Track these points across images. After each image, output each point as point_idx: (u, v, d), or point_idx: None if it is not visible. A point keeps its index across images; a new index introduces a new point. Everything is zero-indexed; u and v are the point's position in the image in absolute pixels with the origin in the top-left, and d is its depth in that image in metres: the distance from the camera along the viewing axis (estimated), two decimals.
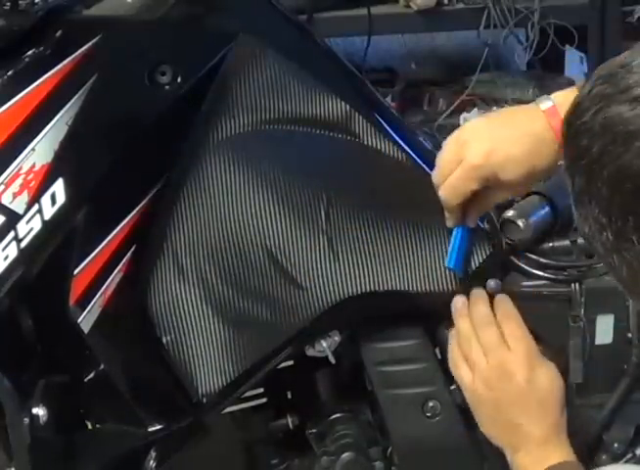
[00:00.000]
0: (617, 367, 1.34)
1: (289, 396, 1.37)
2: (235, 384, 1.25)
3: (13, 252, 1.12)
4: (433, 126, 2.70)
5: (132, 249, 1.18)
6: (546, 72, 2.84)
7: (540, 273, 1.33)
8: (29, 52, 1.14)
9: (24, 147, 1.12)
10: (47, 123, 1.12)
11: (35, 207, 1.12)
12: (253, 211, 1.23)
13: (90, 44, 1.15)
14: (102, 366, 1.21)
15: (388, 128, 1.30)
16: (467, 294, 1.28)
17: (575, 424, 1.35)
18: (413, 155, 1.30)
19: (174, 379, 1.23)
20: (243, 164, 1.23)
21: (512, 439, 1.22)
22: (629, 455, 1.36)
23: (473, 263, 1.29)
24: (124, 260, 1.18)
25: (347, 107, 1.27)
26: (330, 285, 1.25)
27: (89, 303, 1.16)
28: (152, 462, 1.26)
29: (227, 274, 1.23)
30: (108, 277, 1.17)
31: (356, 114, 1.28)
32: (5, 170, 1.11)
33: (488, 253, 1.30)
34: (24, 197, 1.12)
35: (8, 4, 1.13)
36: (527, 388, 1.21)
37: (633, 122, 0.79)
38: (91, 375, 1.22)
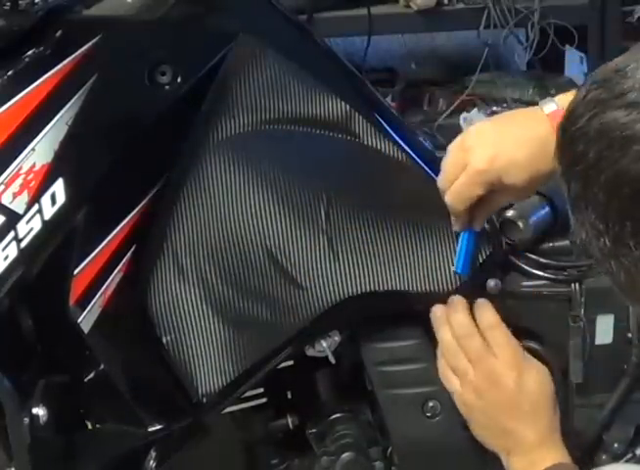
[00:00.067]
0: (617, 367, 1.34)
1: (289, 396, 1.37)
2: (235, 384, 1.25)
3: (13, 252, 1.12)
4: (433, 126, 2.69)
5: (132, 249, 1.18)
6: (546, 72, 2.84)
7: (540, 273, 1.33)
8: (29, 52, 1.14)
9: (24, 147, 1.12)
10: (47, 123, 1.12)
11: (35, 207, 1.12)
12: (253, 211, 1.23)
13: (90, 44, 1.15)
14: (102, 366, 1.21)
15: (388, 128, 1.30)
16: (466, 295, 1.27)
17: (575, 424, 1.35)
18: (413, 155, 1.30)
19: (174, 379, 1.23)
20: (243, 164, 1.23)
21: (506, 444, 1.22)
22: (629, 455, 1.36)
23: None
24: (124, 260, 1.18)
25: (347, 107, 1.27)
26: (330, 285, 1.25)
27: (89, 303, 1.16)
28: (152, 462, 1.26)
29: (227, 274, 1.23)
30: (108, 277, 1.17)
31: (356, 114, 1.28)
32: (5, 170, 1.11)
33: (488, 253, 1.30)
34: (24, 197, 1.12)
35: (8, 4, 1.13)
36: (517, 393, 1.21)
37: (629, 127, 0.79)
38: (91, 375, 1.22)
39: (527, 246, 1.34)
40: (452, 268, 1.28)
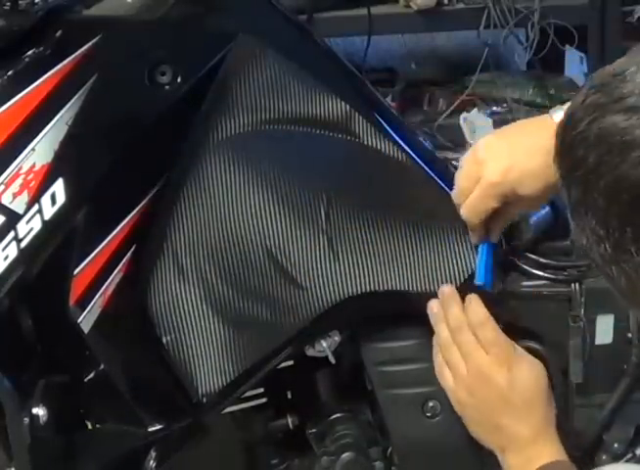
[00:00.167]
0: (617, 367, 1.34)
1: (289, 396, 1.37)
2: (235, 384, 1.25)
3: (13, 252, 1.12)
4: (433, 126, 2.69)
5: (132, 249, 1.18)
6: (546, 72, 2.84)
7: (540, 273, 1.33)
8: (29, 52, 1.14)
9: (24, 147, 1.12)
10: (47, 123, 1.12)
11: (35, 207, 1.12)
12: (253, 211, 1.23)
13: (90, 44, 1.15)
14: (102, 366, 1.21)
15: (388, 128, 1.30)
16: (465, 294, 1.27)
17: (575, 424, 1.35)
18: (413, 155, 1.30)
19: (174, 379, 1.23)
20: (243, 164, 1.23)
21: (500, 440, 1.22)
22: (629, 455, 1.36)
23: (473, 263, 1.29)
24: (124, 260, 1.18)
25: (347, 107, 1.27)
26: (330, 285, 1.25)
27: (89, 303, 1.16)
28: (152, 462, 1.26)
29: (227, 274, 1.23)
30: (108, 277, 1.17)
31: (356, 114, 1.28)
32: (5, 170, 1.11)
33: None
34: (24, 197, 1.12)
35: (8, 4, 1.13)
36: (507, 389, 1.21)
37: (629, 132, 0.78)
38: (91, 375, 1.22)
39: (528, 246, 1.34)
40: (458, 271, 1.28)
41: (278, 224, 1.23)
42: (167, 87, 1.18)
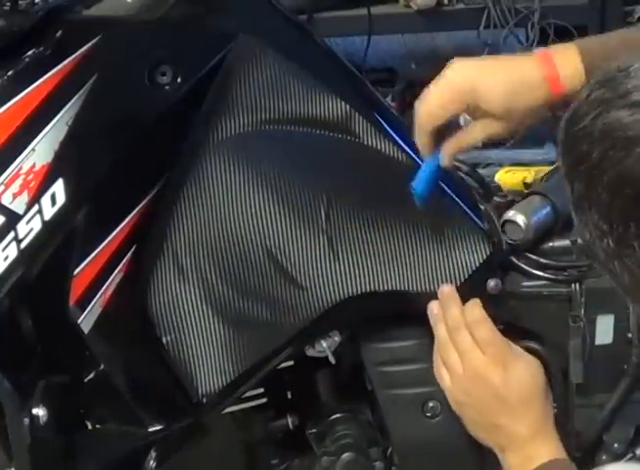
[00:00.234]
0: (617, 367, 1.34)
1: (289, 396, 1.37)
2: (235, 384, 1.25)
3: (13, 252, 1.12)
4: None
5: (132, 249, 1.18)
6: None
7: (540, 273, 1.33)
8: (29, 52, 1.14)
9: (25, 147, 1.12)
10: (47, 123, 1.12)
11: (35, 207, 1.12)
12: (253, 211, 1.23)
13: (90, 44, 1.15)
14: (102, 366, 1.21)
15: (388, 128, 1.30)
16: (466, 294, 1.27)
17: (575, 424, 1.35)
18: (413, 155, 1.30)
19: (174, 379, 1.23)
20: (243, 164, 1.23)
21: (498, 439, 1.21)
22: (629, 455, 1.36)
23: (473, 263, 1.29)
24: (124, 261, 1.18)
25: (347, 107, 1.27)
26: (330, 285, 1.25)
27: (89, 303, 1.16)
28: (152, 462, 1.26)
29: (227, 274, 1.23)
30: (108, 277, 1.17)
31: (356, 114, 1.28)
32: (5, 171, 1.11)
33: (488, 253, 1.30)
34: (24, 197, 1.12)
35: (8, 4, 1.13)
36: (504, 388, 1.20)
37: (633, 128, 0.79)
38: (91, 375, 1.22)
39: (528, 246, 1.34)
40: (458, 271, 1.28)
41: (278, 224, 1.23)
42: (167, 87, 1.18)
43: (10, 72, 1.13)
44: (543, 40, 2.73)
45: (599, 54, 1.11)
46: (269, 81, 1.24)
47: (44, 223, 1.13)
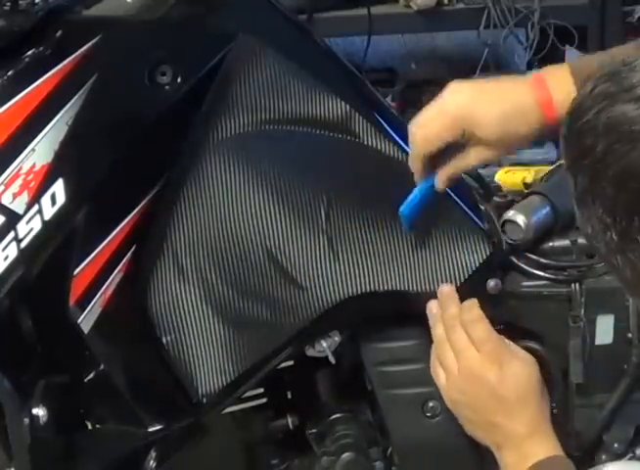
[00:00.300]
0: (617, 367, 1.34)
1: (289, 396, 1.37)
2: (235, 384, 1.25)
3: (13, 252, 1.12)
4: None
5: (132, 249, 1.18)
6: None
7: (540, 273, 1.33)
8: (29, 52, 1.14)
9: (25, 147, 1.12)
10: (47, 123, 1.12)
11: (35, 207, 1.12)
12: (253, 211, 1.23)
13: (90, 44, 1.15)
14: (102, 366, 1.21)
15: (388, 128, 1.30)
16: (466, 294, 1.27)
17: (575, 424, 1.35)
18: None
19: (174, 379, 1.23)
20: (243, 164, 1.23)
21: (495, 438, 1.21)
22: (629, 455, 1.36)
23: (473, 263, 1.29)
24: (124, 260, 1.18)
25: (347, 107, 1.27)
26: (330, 285, 1.25)
27: (89, 303, 1.16)
28: (152, 462, 1.26)
29: (227, 274, 1.23)
30: (108, 277, 1.17)
31: (356, 114, 1.28)
32: (5, 171, 1.11)
33: (488, 253, 1.30)
34: (24, 197, 1.12)
35: (8, 4, 1.13)
36: (499, 387, 1.20)
37: (638, 122, 0.79)
38: (91, 375, 1.22)
39: (528, 246, 1.34)
40: (458, 271, 1.28)
41: (278, 224, 1.23)
42: (167, 87, 1.18)
43: (10, 72, 1.13)
44: (543, 40, 2.73)
45: (587, 70, 1.12)
46: (269, 81, 1.24)
47: (44, 223, 1.13)
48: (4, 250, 1.12)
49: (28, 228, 1.12)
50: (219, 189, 1.23)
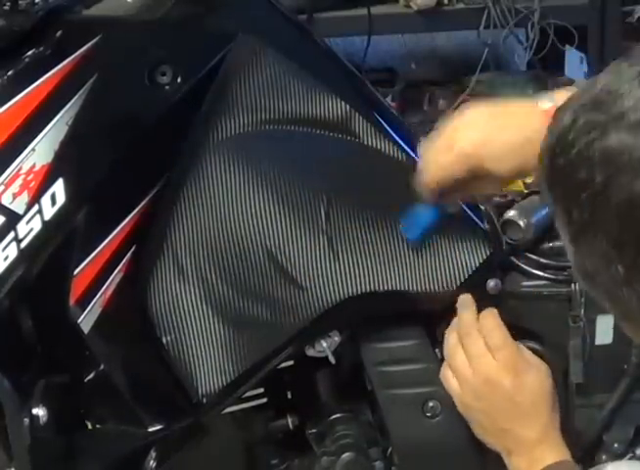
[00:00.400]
0: (617, 367, 1.34)
1: (289, 396, 1.37)
2: (235, 384, 1.25)
3: (13, 252, 1.12)
4: (433, 126, 2.69)
5: (132, 249, 1.18)
6: (546, 72, 2.85)
7: (540, 273, 1.33)
8: (29, 52, 1.14)
9: (25, 147, 1.12)
10: (47, 123, 1.12)
11: (35, 207, 1.12)
12: (253, 211, 1.23)
13: (90, 44, 1.15)
14: (102, 366, 1.21)
15: (388, 128, 1.30)
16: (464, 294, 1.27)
17: (575, 424, 1.35)
18: (413, 155, 1.30)
19: (174, 379, 1.23)
20: (243, 164, 1.23)
21: (506, 443, 1.22)
22: (629, 455, 1.36)
23: (473, 263, 1.29)
24: (124, 260, 1.18)
25: (347, 107, 1.27)
26: (330, 285, 1.25)
27: (89, 303, 1.16)
28: (152, 462, 1.26)
29: (227, 274, 1.23)
30: (108, 277, 1.17)
31: (356, 114, 1.28)
32: (5, 171, 1.11)
33: (488, 253, 1.30)
34: (24, 197, 1.12)
35: (8, 4, 1.13)
36: (515, 394, 1.20)
37: (637, 149, 0.76)
38: (91, 375, 1.22)
39: (528, 246, 1.34)
40: (458, 272, 1.28)
41: (278, 224, 1.23)
42: (167, 87, 1.18)
43: (10, 72, 1.13)
44: (543, 40, 2.73)
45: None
46: (269, 81, 1.24)
47: (44, 223, 1.13)
48: (4, 250, 1.12)
49: (28, 228, 1.12)
50: (219, 189, 1.23)
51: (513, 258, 1.34)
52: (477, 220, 1.31)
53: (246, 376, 1.25)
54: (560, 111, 0.83)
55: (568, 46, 2.76)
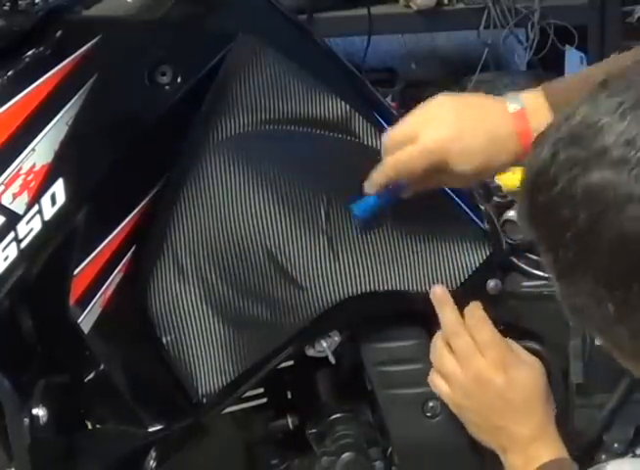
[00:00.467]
0: (617, 367, 1.33)
1: (289, 396, 1.37)
2: (235, 384, 1.25)
3: (13, 252, 1.12)
4: None
5: (132, 249, 1.18)
6: (546, 72, 2.84)
7: (540, 273, 1.33)
8: (29, 52, 1.14)
9: (25, 147, 1.12)
10: (47, 123, 1.12)
11: (35, 207, 1.12)
12: (253, 211, 1.23)
13: (90, 44, 1.15)
14: (102, 366, 1.21)
15: (388, 128, 1.30)
16: (466, 295, 1.27)
17: (575, 424, 1.35)
18: None
19: (174, 379, 1.23)
20: (243, 164, 1.23)
21: (500, 441, 1.21)
22: (629, 455, 1.36)
23: (473, 263, 1.29)
24: (124, 260, 1.18)
25: (347, 107, 1.27)
26: (330, 285, 1.25)
27: (89, 303, 1.16)
28: (152, 462, 1.26)
29: (227, 274, 1.23)
30: (108, 277, 1.17)
31: (356, 114, 1.28)
32: (5, 171, 1.11)
33: (488, 253, 1.30)
34: (24, 197, 1.12)
35: (8, 4, 1.13)
36: (506, 391, 1.20)
37: (621, 185, 0.73)
38: (91, 375, 1.22)
39: (528, 246, 1.34)
40: (457, 272, 1.28)
41: (278, 224, 1.23)
42: (167, 87, 1.18)
43: (10, 72, 1.13)
44: (543, 40, 2.73)
45: (563, 97, 1.11)
46: (269, 81, 1.24)
47: (44, 223, 1.13)
48: (4, 250, 1.12)
49: (28, 228, 1.12)
50: (219, 189, 1.23)
51: (513, 258, 1.34)
52: (477, 220, 1.31)
53: (246, 376, 1.25)
54: (537, 143, 0.80)
55: (568, 46, 2.76)
